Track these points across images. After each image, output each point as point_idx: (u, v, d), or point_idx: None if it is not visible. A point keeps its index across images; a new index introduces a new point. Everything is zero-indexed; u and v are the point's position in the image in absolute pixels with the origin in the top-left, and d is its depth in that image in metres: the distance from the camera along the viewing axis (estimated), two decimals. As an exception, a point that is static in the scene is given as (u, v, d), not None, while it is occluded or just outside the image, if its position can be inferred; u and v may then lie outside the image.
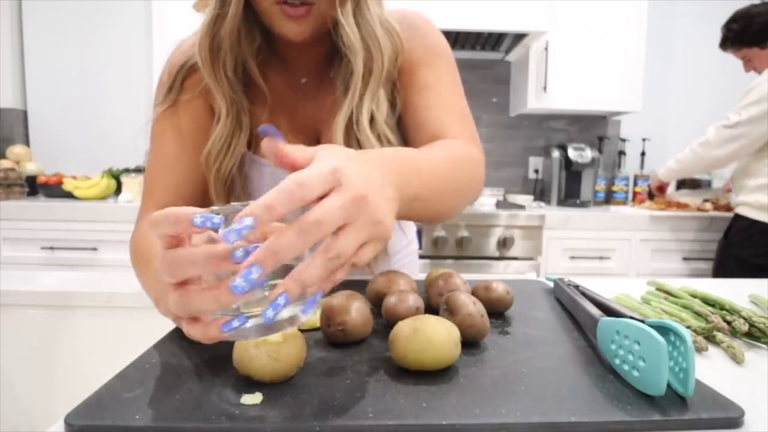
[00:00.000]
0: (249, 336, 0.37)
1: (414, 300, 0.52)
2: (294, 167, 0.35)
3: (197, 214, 0.33)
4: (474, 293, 0.57)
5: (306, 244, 0.32)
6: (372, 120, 0.67)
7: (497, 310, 0.57)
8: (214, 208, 0.36)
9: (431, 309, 0.55)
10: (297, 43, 0.65)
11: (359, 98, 0.66)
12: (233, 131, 0.69)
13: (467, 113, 0.73)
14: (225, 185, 0.70)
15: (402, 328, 0.42)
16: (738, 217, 1.80)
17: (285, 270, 0.35)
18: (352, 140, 0.67)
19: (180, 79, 0.71)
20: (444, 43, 0.75)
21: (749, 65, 1.94)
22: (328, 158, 0.35)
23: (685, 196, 2.27)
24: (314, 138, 0.75)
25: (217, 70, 0.66)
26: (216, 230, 0.34)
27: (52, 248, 2.01)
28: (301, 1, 0.61)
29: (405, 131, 0.74)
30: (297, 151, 0.36)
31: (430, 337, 0.40)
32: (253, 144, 0.73)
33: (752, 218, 1.74)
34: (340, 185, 0.34)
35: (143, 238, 0.64)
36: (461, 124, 0.70)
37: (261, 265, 0.32)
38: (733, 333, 0.53)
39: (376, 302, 0.57)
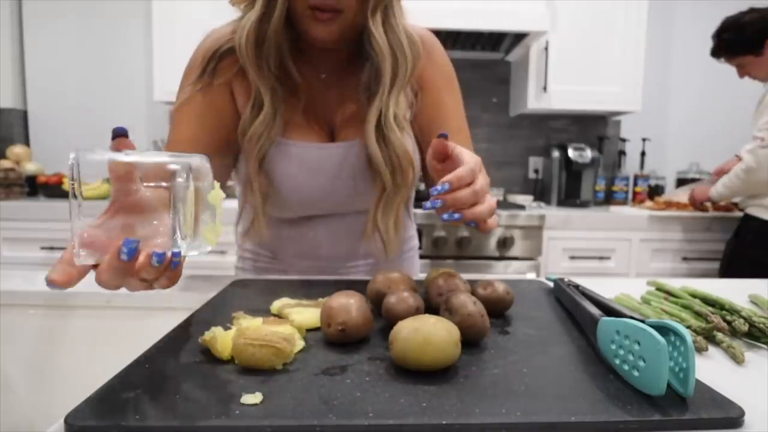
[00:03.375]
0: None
1: (414, 300, 0.52)
2: (443, 151, 0.57)
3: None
4: (474, 293, 0.57)
5: (476, 200, 0.52)
6: (395, 115, 0.76)
7: (497, 310, 0.57)
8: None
9: (431, 309, 0.55)
10: (325, 45, 0.73)
11: (387, 98, 0.75)
12: (273, 118, 0.75)
13: (468, 132, 0.86)
14: (261, 164, 0.77)
15: (402, 328, 0.42)
16: (749, 218, 1.80)
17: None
18: (380, 134, 0.76)
19: (213, 64, 0.76)
20: (450, 62, 0.86)
21: (743, 72, 1.95)
22: (472, 158, 0.55)
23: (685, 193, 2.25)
24: (327, 128, 0.82)
25: (261, 64, 0.73)
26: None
27: (52, 248, 2.01)
28: (331, 9, 0.68)
29: (417, 134, 0.84)
30: (452, 146, 0.57)
31: (430, 337, 0.40)
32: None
33: (764, 218, 1.74)
34: (479, 172, 0.54)
35: None
36: (465, 144, 0.81)
37: (449, 184, 0.51)
38: (733, 333, 0.53)
39: (376, 302, 0.57)
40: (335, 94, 0.81)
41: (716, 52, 1.97)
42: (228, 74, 0.76)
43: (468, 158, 0.55)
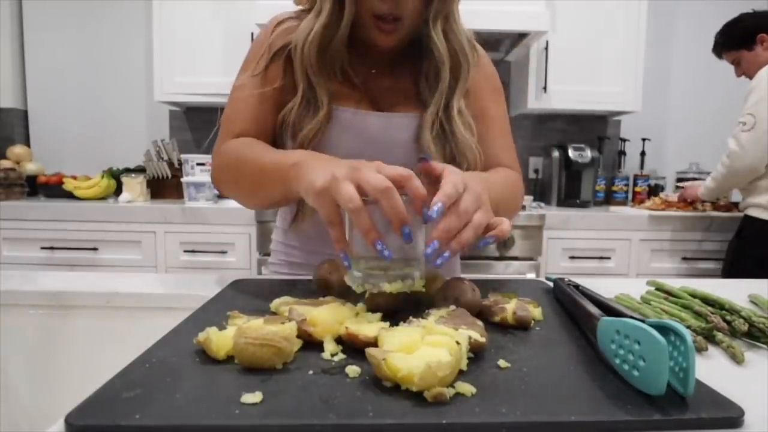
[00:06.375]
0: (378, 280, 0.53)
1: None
2: (431, 172, 0.56)
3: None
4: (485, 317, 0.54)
5: (462, 224, 0.52)
6: (459, 111, 0.80)
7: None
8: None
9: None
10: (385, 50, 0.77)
11: (446, 101, 0.79)
12: (327, 119, 0.77)
13: (513, 144, 0.90)
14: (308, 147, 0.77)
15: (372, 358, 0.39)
16: (749, 218, 1.81)
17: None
18: (438, 132, 0.79)
19: (281, 60, 0.78)
20: (495, 72, 0.89)
21: (740, 70, 1.99)
22: (455, 173, 0.55)
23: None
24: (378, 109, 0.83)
25: (323, 70, 0.76)
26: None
27: (52, 248, 2.01)
28: (393, 18, 0.72)
29: None
30: (438, 166, 0.56)
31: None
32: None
33: (764, 218, 1.75)
34: (467, 188, 0.53)
35: (235, 152, 0.74)
36: (511, 155, 0.89)
37: (440, 240, 0.51)
38: (733, 333, 0.53)
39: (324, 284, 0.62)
40: (387, 84, 0.83)
41: (715, 48, 2.02)
42: (289, 72, 0.78)
43: (448, 173, 0.54)
